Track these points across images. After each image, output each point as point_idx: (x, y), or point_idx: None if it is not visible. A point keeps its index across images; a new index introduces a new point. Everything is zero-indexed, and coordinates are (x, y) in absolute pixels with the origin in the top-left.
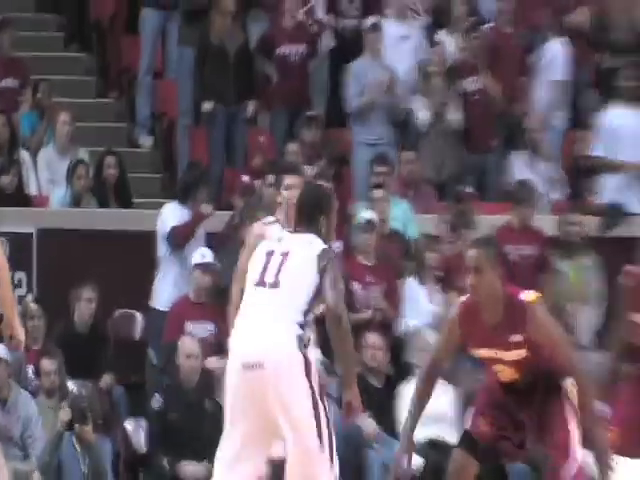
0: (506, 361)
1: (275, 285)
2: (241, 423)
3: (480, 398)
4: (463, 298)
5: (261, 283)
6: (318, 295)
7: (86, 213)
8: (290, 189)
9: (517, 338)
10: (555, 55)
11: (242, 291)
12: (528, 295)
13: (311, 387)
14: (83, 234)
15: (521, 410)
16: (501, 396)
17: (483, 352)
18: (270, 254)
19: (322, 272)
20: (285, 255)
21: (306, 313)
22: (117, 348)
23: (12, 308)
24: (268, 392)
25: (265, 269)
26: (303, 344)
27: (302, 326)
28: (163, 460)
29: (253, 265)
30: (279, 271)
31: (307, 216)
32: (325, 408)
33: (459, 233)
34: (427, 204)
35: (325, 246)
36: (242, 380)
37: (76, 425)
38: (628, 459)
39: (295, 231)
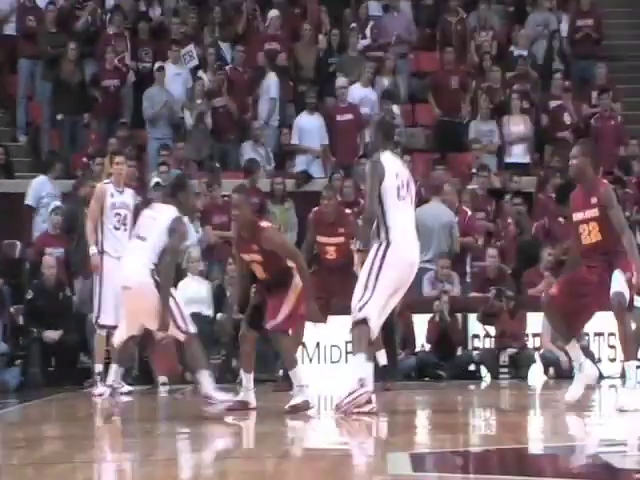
0: (254, 261)
1: (143, 239)
2: (130, 318)
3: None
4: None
5: (134, 236)
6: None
7: None
8: (118, 164)
9: (256, 247)
10: (270, 83)
11: (95, 227)
12: (264, 224)
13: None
14: None
15: (267, 292)
16: (258, 284)
17: (245, 256)
18: (143, 217)
19: (171, 232)
20: (152, 219)
21: (159, 256)
22: (5, 261)
23: None
24: (136, 302)
25: (139, 227)
26: (155, 274)
27: (155, 264)
28: (33, 329)
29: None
30: (147, 230)
31: (171, 193)
32: (171, 309)
33: (213, 189)
34: (192, 173)
35: (176, 215)
36: (124, 295)
37: None
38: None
39: (163, 201)
